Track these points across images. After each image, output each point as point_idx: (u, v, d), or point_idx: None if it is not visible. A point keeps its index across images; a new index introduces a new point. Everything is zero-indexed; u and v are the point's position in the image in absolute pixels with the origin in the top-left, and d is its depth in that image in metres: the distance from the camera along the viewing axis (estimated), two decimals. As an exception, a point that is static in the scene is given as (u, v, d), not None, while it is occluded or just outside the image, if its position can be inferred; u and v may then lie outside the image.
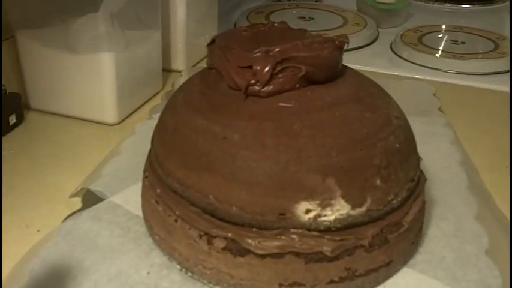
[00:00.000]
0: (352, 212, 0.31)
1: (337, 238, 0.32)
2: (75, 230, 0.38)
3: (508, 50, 0.77)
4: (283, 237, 0.31)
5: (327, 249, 0.31)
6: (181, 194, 0.34)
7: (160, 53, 0.63)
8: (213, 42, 0.38)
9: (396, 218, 0.34)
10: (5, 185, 0.46)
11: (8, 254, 0.37)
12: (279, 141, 0.31)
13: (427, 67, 0.74)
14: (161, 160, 0.35)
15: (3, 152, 0.50)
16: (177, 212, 0.34)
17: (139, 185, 0.40)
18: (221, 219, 0.32)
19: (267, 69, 0.33)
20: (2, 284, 0.35)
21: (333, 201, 0.31)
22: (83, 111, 0.56)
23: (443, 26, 0.88)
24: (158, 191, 0.36)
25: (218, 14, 0.78)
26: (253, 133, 0.32)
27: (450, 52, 0.77)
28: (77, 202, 0.43)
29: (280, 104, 0.33)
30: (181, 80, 0.63)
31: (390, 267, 0.35)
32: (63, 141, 0.53)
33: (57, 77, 0.55)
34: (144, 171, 0.39)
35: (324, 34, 0.38)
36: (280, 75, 0.33)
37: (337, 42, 0.35)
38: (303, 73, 0.33)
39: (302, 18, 0.92)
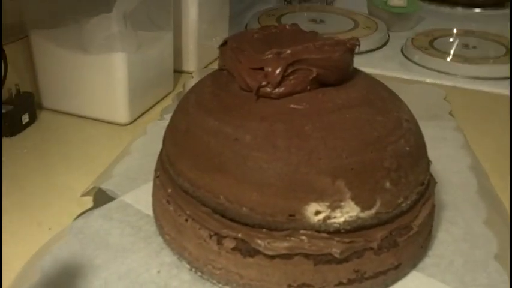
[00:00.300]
0: (362, 215, 0.31)
1: (347, 240, 0.32)
2: (87, 229, 0.39)
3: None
4: (292, 238, 0.31)
5: (336, 251, 0.31)
6: (192, 194, 0.34)
7: (172, 54, 0.64)
8: (225, 43, 0.38)
9: (405, 221, 0.34)
10: (17, 183, 0.46)
11: (20, 252, 0.38)
12: (290, 143, 0.31)
13: (438, 71, 0.74)
14: (173, 160, 0.36)
15: (16, 151, 0.51)
16: (188, 212, 0.34)
17: (150, 185, 0.40)
18: (231, 220, 0.32)
19: (278, 71, 0.33)
20: (1, 283, 0.35)
21: (342, 203, 0.31)
22: (95, 111, 0.57)
23: (455, 30, 0.88)
24: (169, 190, 0.36)
25: (229, 16, 0.78)
26: (265, 134, 0.32)
27: (461, 56, 0.77)
28: (88, 201, 0.43)
29: (292, 106, 0.33)
30: (192, 81, 0.64)
31: (399, 270, 0.35)
32: (75, 140, 0.54)
33: (70, 76, 0.56)
34: (155, 171, 0.39)
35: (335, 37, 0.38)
36: (291, 77, 0.34)
37: (348, 45, 0.35)
38: (314, 75, 0.34)
39: (313, 20, 0.92)
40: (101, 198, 0.43)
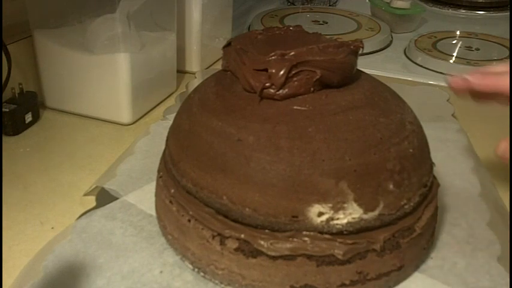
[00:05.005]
0: (365, 216, 0.31)
1: (349, 241, 0.32)
2: (89, 228, 0.39)
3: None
4: (295, 239, 0.31)
5: (338, 252, 0.31)
6: (195, 194, 0.34)
7: (175, 55, 0.64)
8: (228, 44, 0.38)
9: (408, 223, 0.34)
10: (20, 182, 0.46)
11: (23, 250, 0.38)
12: (293, 144, 0.31)
13: (441, 73, 0.74)
14: (176, 160, 0.36)
15: (19, 150, 0.51)
16: (191, 212, 0.34)
17: (153, 185, 0.40)
18: (234, 220, 0.33)
19: (282, 72, 0.33)
20: (2, 282, 0.35)
21: (345, 205, 0.31)
22: (98, 110, 0.57)
23: (458, 32, 0.88)
24: (172, 191, 0.36)
25: (232, 17, 0.78)
26: (268, 135, 0.32)
27: (464, 58, 0.77)
28: (91, 200, 0.43)
29: (295, 107, 0.33)
30: (195, 82, 0.64)
31: (401, 272, 0.35)
32: (78, 140, 0.54)
33: (73, 76, 0.56)
34: (158, 171, 0.39)
35: (338, 38, 0.38)
36: (295, 79, 0.34)
37: (352, 47, 0.35)
38: (318, 77, 0.34)
39: (316, 22, 0.92)
40: (104, 198, 0.43)
